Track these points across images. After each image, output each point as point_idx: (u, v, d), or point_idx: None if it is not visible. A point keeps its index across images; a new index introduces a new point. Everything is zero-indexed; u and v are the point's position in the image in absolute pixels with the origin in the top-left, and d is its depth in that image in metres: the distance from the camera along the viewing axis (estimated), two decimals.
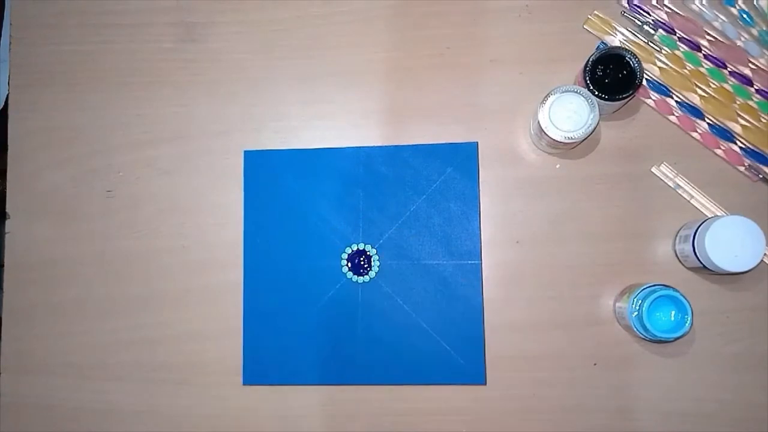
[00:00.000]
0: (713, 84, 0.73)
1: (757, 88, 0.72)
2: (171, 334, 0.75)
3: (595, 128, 0.67)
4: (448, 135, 0.75)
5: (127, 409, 0.75)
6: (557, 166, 0.74)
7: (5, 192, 0.78)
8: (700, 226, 0.67)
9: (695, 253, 0.66)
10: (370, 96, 0.76)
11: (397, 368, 0.72)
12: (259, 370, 0.73)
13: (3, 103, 0.82)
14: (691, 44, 0.73)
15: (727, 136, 0.72)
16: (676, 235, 0.71)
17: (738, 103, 0.72)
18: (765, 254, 0.69)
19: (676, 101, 0.73)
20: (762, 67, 0.73)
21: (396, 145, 0.75)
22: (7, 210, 0.78)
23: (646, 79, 0.73)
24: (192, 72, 0.78)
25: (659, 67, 0.73)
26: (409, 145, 0.75)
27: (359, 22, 0.77)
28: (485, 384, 0.72)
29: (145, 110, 0.78)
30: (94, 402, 0.75)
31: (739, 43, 0.73)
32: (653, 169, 0.73)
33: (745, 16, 0.73)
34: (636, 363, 0.71)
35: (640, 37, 0.74)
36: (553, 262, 0.72)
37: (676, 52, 0.74)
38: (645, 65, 0.71)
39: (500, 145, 0.74)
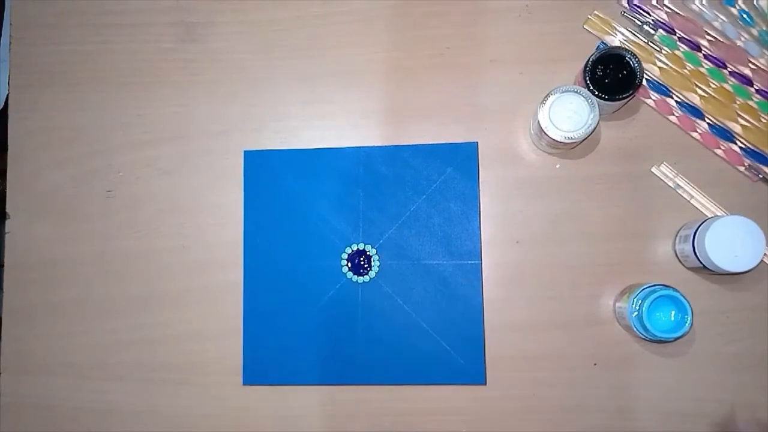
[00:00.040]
0: (713, 84, 0.73)
1: (757, 88, 0.72)
2: (171, 334, 0.75)
3: (595, 128, 0.67)
4: (448, 135, 0.75)
5: (127, 409, 0.75)
6: (557, 166, 0.74)
7: (5, 192, 0.78)
8: (700, 226, 0.67)
9: (695, 253, 0.66)
10: (370, 96, 0.76)
11: (397, 368, 0.72)
12: (259, 370, 0.73)
13: (3, 103, 0.82)
14: (691, 44, 0.73)
15: (727, 136, 0.72)
16: (676, 235, 0.71)
17: (738, 103, 0.72)
18: (765, 254, 0.69)
19: (676, 101, 0.73)
20: (762, 67, 0.73)
21: (396, 145, 0.75)
22: (7, 210, 0.78)
23: (646, 79, 0.73)
24: (192, 72, 0.78)
25: (659, 67, 0.73)
26: (409, 145, 0.75)
27: (359, 22, 0.77)
28: (485, 384, 0.72)
29: (145, 110, 0.78)
30: (94, 402, 0.75)
31: (739, 43, 0.73)
32: (653, 169, 0.73)
33: (745, 16, 0.73)
34: (636, 363, 0.71)
35: (640, 37, 0.74)
36: (553, 262, 0.72)
37: (676, 52, 0.74)
38: (645, 65, 0.71)
39: (500, 145, 0.74)
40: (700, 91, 0.73)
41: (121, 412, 0.75)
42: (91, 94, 0.78)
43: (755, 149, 0.72)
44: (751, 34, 0.73)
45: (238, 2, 0.78)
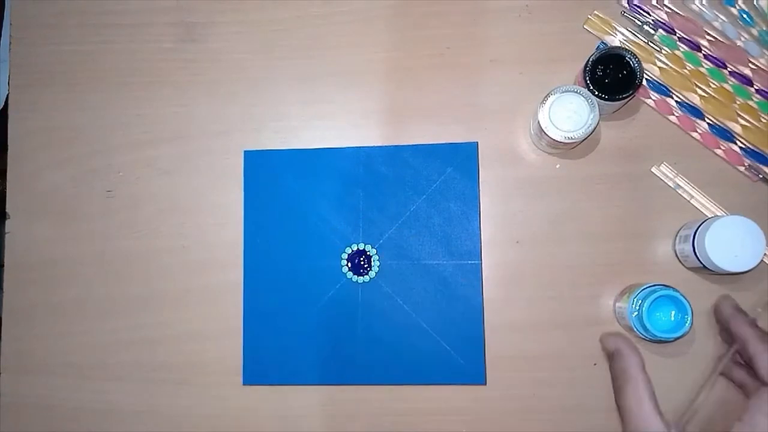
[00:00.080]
0: (713, 84, 0.73)
1: (757, 88, 0.72)
2: (171, 334, 0.75)
3: (595, 128, 0.67)
4: (448, 135, 0.75)
5: (127, 409, 0.75)
6: (557, 166, 0.74)
7: (5, 192, 0.78)
8: (700, 226, 0.67)
9: (695, 253, 0.66)
10: (370, 96, 0.76)
11: (397, 368, 0.72)
12: (259, 370, 0.73)
13: (3, 103, 0.82)
14: (691, 44, 0.73)
15: (727, 136, 0.72)
16: (676, 235, 0.71)
17: (738, 103, 0.72)
18: (765, 254, 0.69)
19: (676, 101, 0.73)
20: (762, 67, 0.73)
21: (396, 145, 0.75)
22: (7, 210, 0.78)
23: (646, 79, 0.73)
24: (192, 72, 0.78)
25: (659, 67, 0.73)
26: (409, 145, 0.75)
27: (359, 22, 0.77)
28: (485, 384, 0.72)
29: (145, 110, 0.78)
30: (94, 402, 0.75)
31: (739, 43, 0.73)
32: (653, 169, 0.73)
33: (745, 16, 0.73)
34: None
35: (640, 37, 0.74)
36: (553, 262, 0.72)
37: (676, 52, 0.74)
38: (645, 65, 0.71)
39: (500, 145, 0.74)
40: (700, 91, 0.73)
41: (121, 412, 0.75)
42: (91, 94, 0.78)
43: (755, 149, 0.72)
44: (751, 34, 0.73)
45: (238, 2, 0.78)
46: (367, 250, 0.74)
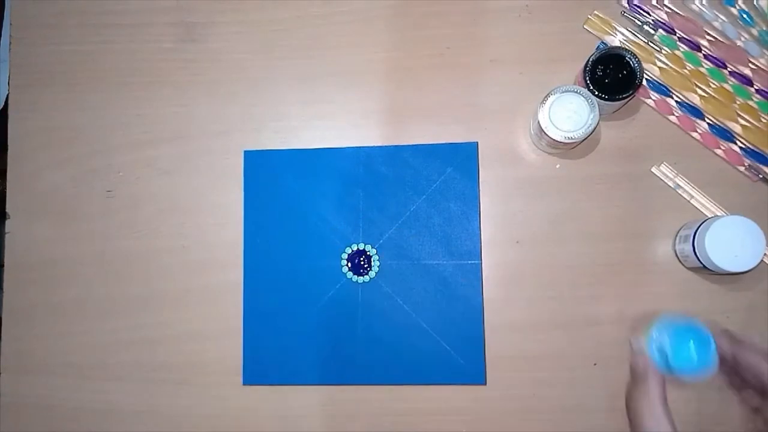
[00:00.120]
0: (713, 84, 0.73)
1: (757, 88, 0.72)
2: (171, 334, 0.75)
3: (595, 128, 0.67)
4: (448, 135, 0.75)
5: (127, 409, 0.75)
6: (557, 166, 0.74)
7: (5, 192, 0.78)
8: (700, 226, 0.67)
9: (695, 253, 0.66)
10: (370, 96, 0.76)
11: (397, 368, 0.72)
12: (259, 370, 0.73)
13: (3, 103, 0.82)
14: (691, 44, 0.73)
15: (727, 136, 0.72)
16: (676, 235, 0.71)
17: (738, 103, 0.72)
18: (765, 254, 0.69)
19: (676, 101, 0.73)
20: (762, 67, 0.73)
21: (396, 145, 0.75)
22: (7, 210, 0.78)
23: (646, 79, 0.73)
24: (192, 72, 0.78)
25: (659, 67, 0.73)
26: (409, 145, 0.75)
27: (359, 22, 0.77)
28: (485, 384, 0.72)
29: (145, 110, 0.78)
30: (94, 402, 0.75)
31: (739, 43, 0.73)
32: (653, 169, 0.73)
33: (745, 16, 0.73)
34: None
35: (640, 37, 0.74)
36: (553, 262, 0.72)
37: (676, 52, 0.74)
38: (645, 65, 0.71)
39: (500, 145, 0.74)
40: (700, 91, 0.73)
41: (121, 412, 0.75)
42: (91, 94, 0.78)
43: (755, 149, 0.72)
44: (751, 34, 0.73)
45: (238, 2, 0.78)
46: (367, 250, 0.74)
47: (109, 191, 0.77)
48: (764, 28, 0.73)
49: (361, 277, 0.73)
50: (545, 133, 0.67)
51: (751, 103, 0.72)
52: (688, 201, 0.72)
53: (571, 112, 0.67)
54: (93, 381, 0.75)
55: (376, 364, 0.72)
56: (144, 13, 0.79)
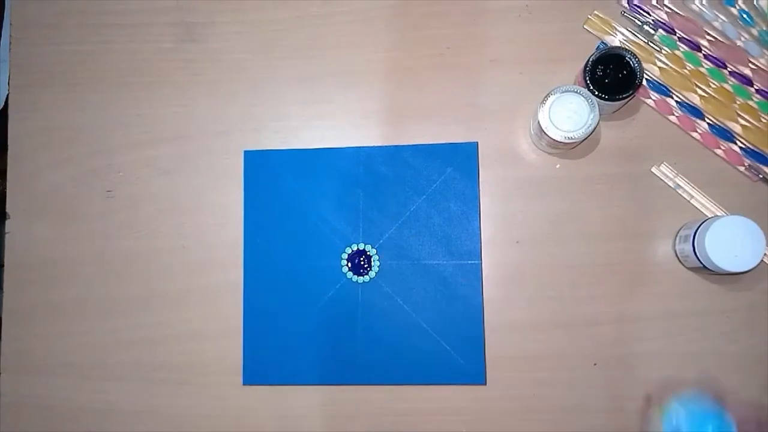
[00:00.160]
0: (713, 84, 0.73)
1: (757, 88, 0.72)
2: (171, 334, 0.75)
3: (595, 128, 0.67)
4: (448, 135, 0.75)
5: (127, 409, 0.75)
6: (557, 166, 0.74)
7: (5, 192, 0.78)
8: (700, 226, 0.67)
9: (695, 253, 0.66)
10: (370, 96, 0.76)
11: (397, 368, 0.72)
12: (259, 370, 0.73)
13: (3, 103, 0.82)
14: (691, 44, 0.73)
15: (727, 136, 0.72)
16: (676, 235, 0.71)
17: (738, 103, 0.72)
18: (765, 254, 0.69)
19: (676, 101, 0.73)
20: (762, 67, 0.73)
21: (396, 145, 0.75)
22: (7, 210, 0.78)
23: (646, 79, 0.73)
24: (192, 72, 0.78)
25: (659, 67, 0.73)
26: (409, 145, 0.75)
27: (359, 22, 0.77)
28: (485, 384, 0.72)
29: (145, 110, 0.78)
30: (94, 402, 0.75)
31: (739, 43, 0.73)
32: (653, 169, 0.73)
33: (745, 16, 0.73)
34: (636, 363, 0.71)
35: (640, 37, 0.74)
36: (553, 262, 0.72)
37: (676, 52, 0.74)
38: (645, 65, 0.71)
39: (500, 145, 0.74)
40: (700, 91, 0.73)
41: (121, 412, 0.75)
42: (91, 94, 0.78)
43: (755, 149, 0.72)
44: (751, 34, 0.73)
45: (238, 2, 0.78)
46: (367, 250, 0.74)
47: (109, 191, 0.77)
48: (764, 28, 0.73)
49: (361, 277, 0.73)
50: (545, 133, 0.67)
51: (751, 103, 0.72)
52: (688, 201, 0.72)
53: (571, 112, 0.67)
54: (93, 381, 0.75)
55: (376, 364, 0.72)
56: (144, 13, 0.79)
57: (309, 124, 0.76)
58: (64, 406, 0.76)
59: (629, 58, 0.68)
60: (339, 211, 0.74)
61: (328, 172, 0.75)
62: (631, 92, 0.67)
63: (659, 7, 0.74)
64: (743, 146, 0.72)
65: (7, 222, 0.78)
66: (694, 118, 0.73)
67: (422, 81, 0.76)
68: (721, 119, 0.72)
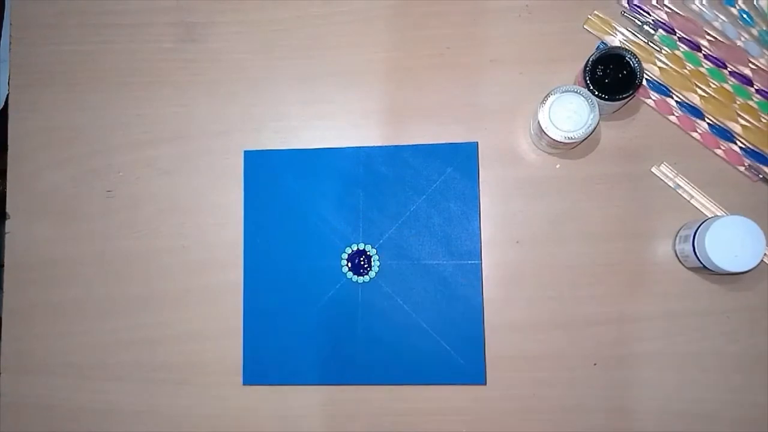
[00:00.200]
0: (713, 84, 0.73)
1: (757, 88, 0.72)
2: (171, 334, 0.75)
3: (595, 128, 0.67)
4: (448, 135, 0.75)
5: (127, 409, 0.75)
6: (557, 166, 0.74)
7: (5, 192, 0.78)
8: (700, 226, 0.67)
9: (695, 253, 0.66)
10: (370, 96, 0.76)
11: (397, 368, 0.72)
12: (259, 370, 0.73)
13: (3, 103, 0.82)
14: (691, 44, 0.73)
15: (727, 136, 0.72)
16: (676, 235, 0.71)
17: (738, 103, 0.72)
18: (765, 254, 0.69)
19: (676, 101, 0.73)
20: (762, 67, 0.73)
21: (396, 145, 0.75)
22: (7, 210, 0.78)
23: (646, 79, 0.73)
24: (192, 72, 0.78)
25: (659, 67, 0.73)
26: (409, 145, 0.75)
27: (359, 22, 0.77)
28: (485, 384, 0.72)
29: (145, 110, 0.78)
30: (94, 402, 0.75)
31: (739, 43, 0.73)
32: (653, 169, 0.73)
33: (745, 16, 0.73)
34: (636, 363, 0.71)
35: (640, 37, 0.74)
36: (553, 262, 0.72)
37: (676, 52, 0.74)
38: (645, 65, 0.71)
39: (500, 145, 0.74)
40: (700, 91, 0.73)
41: (121, 412, 0.75)
42: (91, 94, 0.78)
43: (755, 149, 0.72)
44: (751, 34, 0.73)
45: (238, 2, 0.78)
46: (367, 250, 0.74)
47: (109, 191, 0.77)
48: (764, 28, 0.73)
49: (361, 277, 0.73)
50: (545, 133, 0.67)
51: (751, 103, 0.72)
52: (688, 201, 0.72)
53: (571, 112, 0.67)
54: (93, 381, 0.75)
55: (376, 364, 0.72)
56: (144, 13, 0.79)
57: (309, 124, 0.76)
58: (64, 406, 0.76)
59: (629, 58, 0.68)
60: (339, 211, 0.74)
61: (328, 172, 0.75)
62: (631, 92, 0.67)
63: (659, 7, 0.74)
64: (743, 146, 0.72)
65: (7, 222, 0.78)
66: (694, 118, 0.73)
67: (422, 81, 0.76)
68: (721, 119, 0.72)
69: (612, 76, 0.68)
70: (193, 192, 0.77)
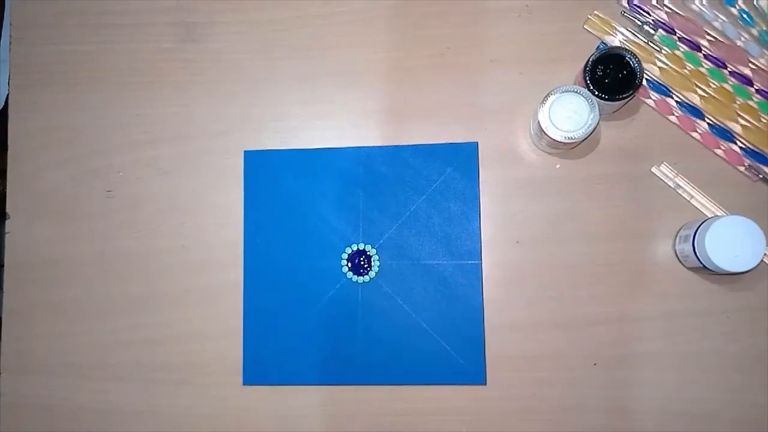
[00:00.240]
0: (713, 84, 0.73)
1: (757, 88, 0.72)
2: (171, 334, 0.75)
3: (595, 128, 0.67)
4: (448, 135, 0.75)
5: (127, 409, 0.75)
6: (557, 166, 0.74)
7: (5, 192, 0.78)
8: (700, 226, 0.67)
9: (695, 253, 0.66)
10: (370, 96, 0.76)
11: (397, 368, 0.72)
12: (259, 370, 0.73)
13: (3, 103, 0.82)
14: (691, 44, 0.73)
15: (727, 136, 0.72)
16: (676, 235, 0.71)
17: (738, 103, 0.72)
18: (765, 254, 0.69)
19: (676, 101, 0.73)
20: (762, 67, 0.73)
21: (396, 145, 0.75)
22: (7, 210, 0.78)
23: (646, 79, 0.73)
24: (192, 72, 0.78)
25: (659, 67, 0.73)
26: (409, 145, 0.75)
27: (359, 22, 0.77)
28: (485, 384, 0.72)
29: (145, 110, 0.78)
30: (94, 402, 0.75)
31: (739, 43, 0.73)
32: (653, 169, 0.73)
33: (745, 16, 0.73)
34: (636, 363, 0.71)
35: (640, 37, 0.74)
36: (553, 262, 0.72)
37: (676, 52, 0.74)
38: (645, 65, 0.71)
39: (500, 145, 0.74)
40: (700, 91, 0.73)
41: (121, 412, 0.75)
42: (91, 94, 0.78)
43: (755, 149, 0.72)
44: (751, 34, 0.73)
45: (238, 2, 0.78)
46: (367, 250, 0.74)
47: (109, 191, 0.77)
48: (764, 28, 0.73)
49: (361, 277, 0.73)
50: (545, 133, 0.67)
51: (751, 103, 0.72)
52: (688, 201, 0.72)
53: (571, 112, 0.67)
54: (93, 381, 0.75)
55: (376, 364, 0.72)
56: (144, 13, 0.79)
57: (309, 124, 0.76)
58: (64, 406, 0.76)
59: (629, 58, 0.68)
60: (339, 211, 0.74)
61: (328, 172, 0.75)
62: (631, 92, 0.67)
63: (659, 7, 0.74)
64: (743, 146, 0.72)
65: (7, 222, 0.78)
66: (694, 118, 0.73)
67: (422, 81, 0.76)
68: (721, 119, 0.72)
69: (612, 76, 0.68)
70: (193, 192, 0.77)
